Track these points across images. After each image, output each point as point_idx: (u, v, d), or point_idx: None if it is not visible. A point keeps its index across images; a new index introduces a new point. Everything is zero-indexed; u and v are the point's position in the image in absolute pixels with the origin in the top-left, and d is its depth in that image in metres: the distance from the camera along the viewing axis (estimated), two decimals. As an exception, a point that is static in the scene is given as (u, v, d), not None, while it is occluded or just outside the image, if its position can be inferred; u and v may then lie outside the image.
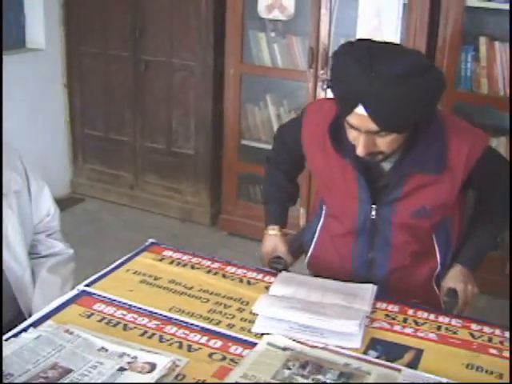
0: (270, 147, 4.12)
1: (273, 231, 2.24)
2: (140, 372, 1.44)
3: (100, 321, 1.70)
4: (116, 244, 4.08)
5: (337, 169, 2.00)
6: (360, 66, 1.69)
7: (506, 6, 3.34)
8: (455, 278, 2.03)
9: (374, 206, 2.00)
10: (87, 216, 4.64)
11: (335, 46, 3.76)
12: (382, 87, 1.67)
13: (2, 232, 1.79)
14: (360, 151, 1.80)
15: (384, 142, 1.79)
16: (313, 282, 1.96)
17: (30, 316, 1.99)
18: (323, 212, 2.21)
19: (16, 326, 1.95)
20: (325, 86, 3.84)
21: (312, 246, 2.24)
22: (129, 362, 1.48)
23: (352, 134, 1.82)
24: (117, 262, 2.03)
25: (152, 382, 1.40)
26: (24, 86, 4.26)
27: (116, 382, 1.41)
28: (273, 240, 2.23)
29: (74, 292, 1.85)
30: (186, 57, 4.30)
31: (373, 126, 1.73)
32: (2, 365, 1.43)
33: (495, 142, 3.55)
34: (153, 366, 1.46)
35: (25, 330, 1.64)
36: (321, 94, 3.87)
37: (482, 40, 3.46)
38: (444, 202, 1.98)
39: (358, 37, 3.65)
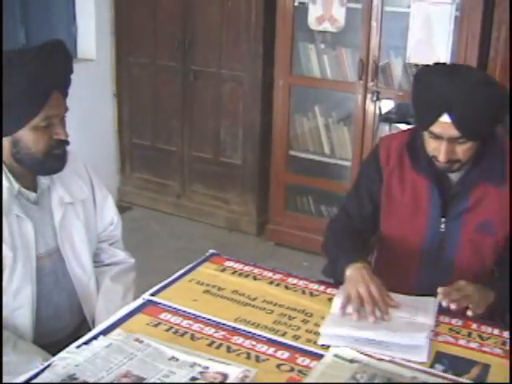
0: (318, 158, 4.20)
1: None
2: (212, 382, 1.47)
3: (167, 330, 1.73)
4: (164, 253, 4.14)
5: (410, 184, 2.12)
6: (445, 75, 1.90)
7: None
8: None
9: (443, 219, 2.08)
10: (134, 224, 4.69)
11: (385, 57, 3.80)
12: (465, 92, 1.87)
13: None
14: (442, 157, 1.96)
15: (462, 150, 1.96)
16: None
17: (93, 323, 2.04)
18: (377, 246, 2.28)
19: (81, 332, 2.01)
20: (374, 98, 3.86)
21: None
22: (200, 372, 1.51)
23: (432, 145, 1.98)
24: (179, 272, 2.06)
25: (225, 391, 1.43)
26: (74, 95, 4.29)
27: (189, 391, 1.44)
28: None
29: (140, 301, 1.88)
30: (235, 67, 4.36)
31: (455, 133, 1.91)
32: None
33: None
34: (225, 376, 1.49)
35: (95, 337, 1.67)
36: (370, 106, 3.89)
37: (536, 52, 3.44)
38: (505, 216, 2.04)
39: (408, 48, 3.68)
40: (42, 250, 1.92)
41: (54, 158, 1.86)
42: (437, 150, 1.97)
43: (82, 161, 2.11)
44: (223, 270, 2.09)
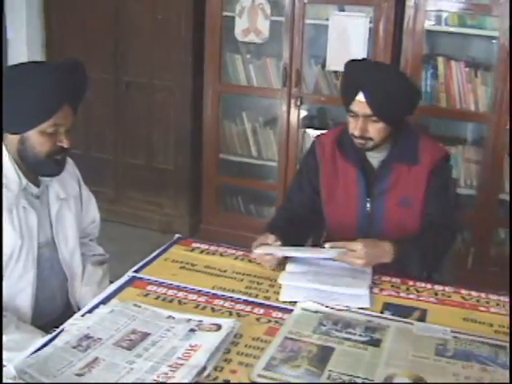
0: (246, 160, 4.53)
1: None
2: (209, 331, 1.76)
3: (157, 298, 2.02)
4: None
5: (342, 172, 2.50)
6: (365, 62, 2.41)
7: (460, 30, 3.82)
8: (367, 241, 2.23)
9: (368, 199, 2.46)
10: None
11: (307, 66, 4.17)
12: (378, 76, 2.31)
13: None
14: (356, 132, 2.35)
15: (374, 129, 2.34)
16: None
17: (78, 307, 2.28)
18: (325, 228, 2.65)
19: (68, 314, 2.24)
20: (298, 103, 4.22)
21: None
22: (197, 325, 1.80)
23: (352, 125, 2.38)
24: (153, 254, 2.35)
25: (222, 337, 1.72)
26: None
27: (191, 340, 1.72)
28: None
29: (126, 277, 2.15)
30: (166, 78, 4.64)
31: (368, 111, 2.30)
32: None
33: (453, 150, 3.99)
34: (218, 326, 1.78)
35: (95, 307, 1.93)
36: (294, 111, 4.25)
37: (440, 60, 3.90)
38: (419, 192, 2.43)
39: (328, 58, 4.06)
40: (41, 239, 2.16)
41: (54, 162, 2.08)
42: (354, 127, 2.36)
43: (72, 163, 2.35)
44: (192, 250, 2.39)
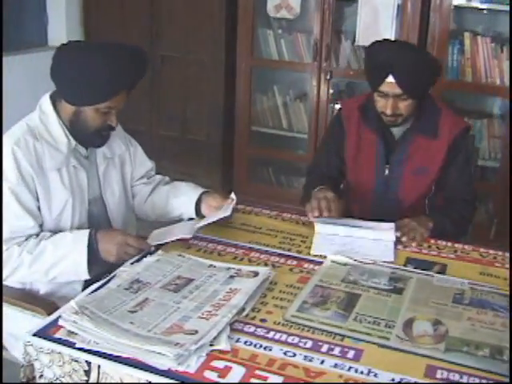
0: (277, 132, 4.69)
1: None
2: (247, 277, 1.95)
3: (198, 250, 2.21)
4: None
5: (364, 138, 2.68)
6: (390, 45, 2.54)
7: (487, 6, 3.93)
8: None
9: (387, 165, 2.64)
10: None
11: (337, 41, 4.31)
12: (405, 57, 2.45)
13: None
14: (389, 111, 2.49)
15: (404, 106, 2.49)
16: (344, 220, 2.47)
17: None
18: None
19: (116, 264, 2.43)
20: (328, 77, 4.37)
21: None
22: (236, 272, 1.99)
23: (380, 103, 2.51)
24: (194, 213, 2.54)
25: (259, 282, 1.91)
26: (47, 82, 4.67)
27: (230, 284, 1.91)
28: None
29: (168, 233, 2.34)
30: (200, 52, 4.80)
31: (398, 91, 2.44)
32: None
33: (479, 123, 4.13)
34: (256, 274, 1.97)
35: (144, 256, 2.12)
36: (323, 84, 4.40)
37: (467, 35, 4.02)
38: (435, 163, 2.61)
39: (357, 33, 4.20)
40: (90, 196, 2.34)
41: (100, 137, 2.25)
42: (384, 106, 2.50)
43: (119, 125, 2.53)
44: (229, 210, 2.57)
